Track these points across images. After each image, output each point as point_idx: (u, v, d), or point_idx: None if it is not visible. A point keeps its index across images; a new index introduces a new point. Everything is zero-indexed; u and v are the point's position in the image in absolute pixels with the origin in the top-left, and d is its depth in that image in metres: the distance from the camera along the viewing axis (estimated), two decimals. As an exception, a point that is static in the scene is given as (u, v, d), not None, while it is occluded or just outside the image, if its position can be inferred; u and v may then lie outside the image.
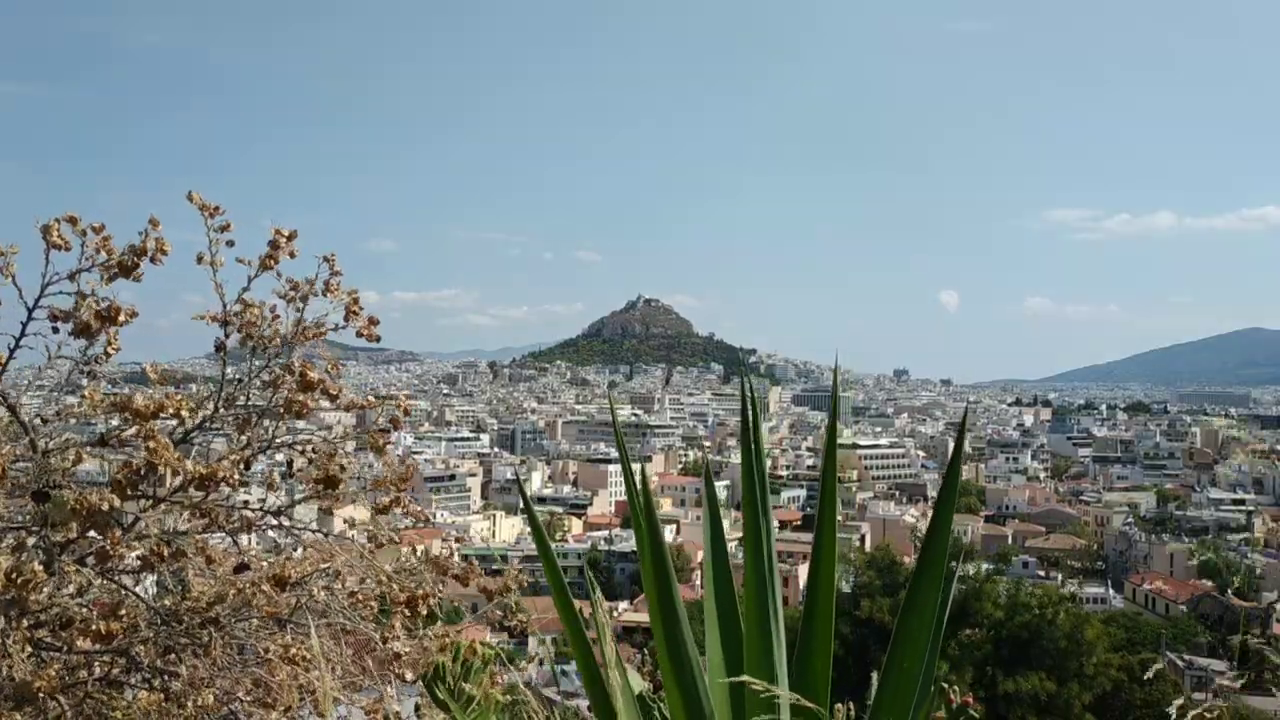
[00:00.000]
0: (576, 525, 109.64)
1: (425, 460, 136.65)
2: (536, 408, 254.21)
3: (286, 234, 2.51)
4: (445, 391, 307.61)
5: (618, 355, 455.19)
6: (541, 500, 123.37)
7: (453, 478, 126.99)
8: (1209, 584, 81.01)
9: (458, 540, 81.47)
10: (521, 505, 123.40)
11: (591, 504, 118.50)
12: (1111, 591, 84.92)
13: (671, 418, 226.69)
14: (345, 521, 3.08)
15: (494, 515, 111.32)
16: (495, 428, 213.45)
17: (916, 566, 2.06)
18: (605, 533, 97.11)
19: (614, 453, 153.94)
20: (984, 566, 55.91)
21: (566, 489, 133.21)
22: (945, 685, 3.40)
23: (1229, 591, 77.61)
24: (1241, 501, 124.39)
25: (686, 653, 2.04)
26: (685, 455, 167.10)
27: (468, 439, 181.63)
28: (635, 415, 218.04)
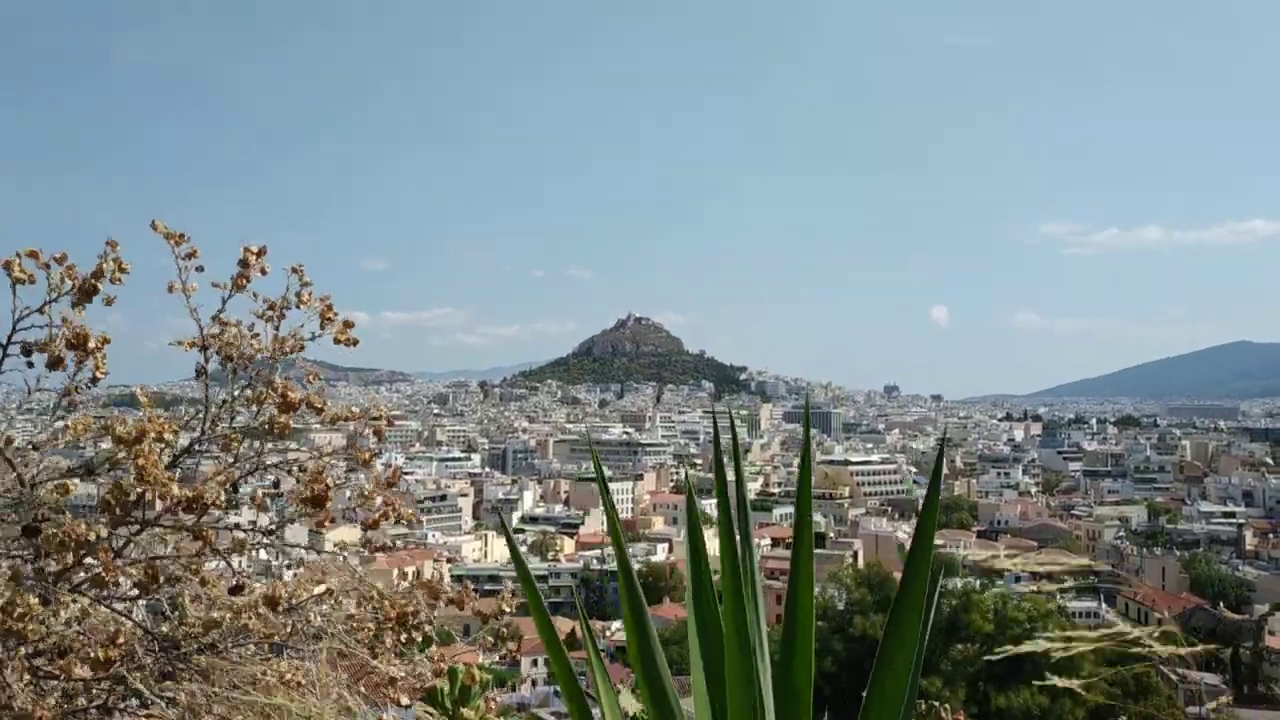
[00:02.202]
0: (569, 544, 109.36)
1: (416, 480, 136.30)
2: (528, 427, 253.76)
3: (256, 250, 2.54)
4: (436, 411, 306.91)
5: (608, 374, 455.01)
6: (534, 520, 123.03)
7: (444, 498, 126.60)
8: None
9: (450, 561, 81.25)
10: (514, 525, 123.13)
11: (583, 523, 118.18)
12: (1103, 605, 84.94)
13: (663, 436, 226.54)
14: (336, 545, 3.09)
15: (485, 535, 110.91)
16: (486, 447, 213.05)
17: (899, 589, 2.08)
18: (597, 551, 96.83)
19: (606, 471, 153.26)
20: (968, 580, 55.94)
21: (558, 508, 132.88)
22: (937, 704, 3.43)
23: (1220, 604, 77.76)
24: (1232, 514, 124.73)
25: (659, 673, 2.06)
26: (677, 473, 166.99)
27: (459, 459, 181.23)
28: (627, 433, 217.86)
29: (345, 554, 2.93)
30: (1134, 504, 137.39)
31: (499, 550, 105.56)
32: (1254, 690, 65.22)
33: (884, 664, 2.04)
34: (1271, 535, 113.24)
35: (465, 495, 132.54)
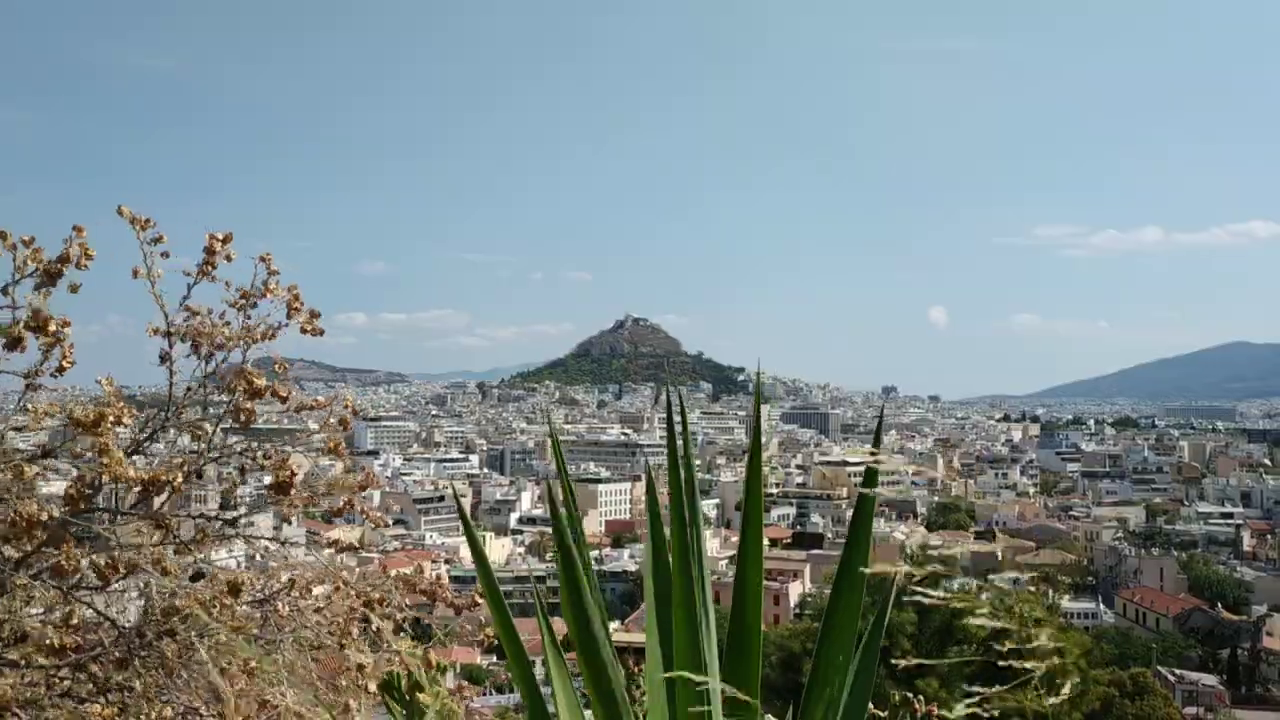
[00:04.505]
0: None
1: (414, 481, 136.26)
2: (525, 428, 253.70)
3: (221, 237, 2.51)
4: (434, 413, 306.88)
5: (606, 375, 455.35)
6: (532, 520, 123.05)
7: (442, 499, 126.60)
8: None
9: (447, 562, 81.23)
10: (511, 526, 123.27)
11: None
12: (1102, 606, 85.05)
13: (660, 437, 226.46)
14: (328, 544, 3.07)
15: (483, 536, 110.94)
16: (484, 448, 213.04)
17: (834, 585, 2.08)
18: (595, 553, 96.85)
19: (604, 472, 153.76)
20: (959, 582, 55.81)
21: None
22: (910, 695, 3.41)
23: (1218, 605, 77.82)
24: (1230, 515, 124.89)
25: (608, 674, 2.04)
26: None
27: (457, 460, 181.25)
28: (625, 434, 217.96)
29: (311, 549, 2.91)
30: (1132, 505, 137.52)
31: (496, 552, 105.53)
32: (1251, 691, 65.27)
33: (824, 644, 2.02)
34: (1269, 536, 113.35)
35: (463, 496, 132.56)
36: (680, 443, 2.16)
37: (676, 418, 2.18)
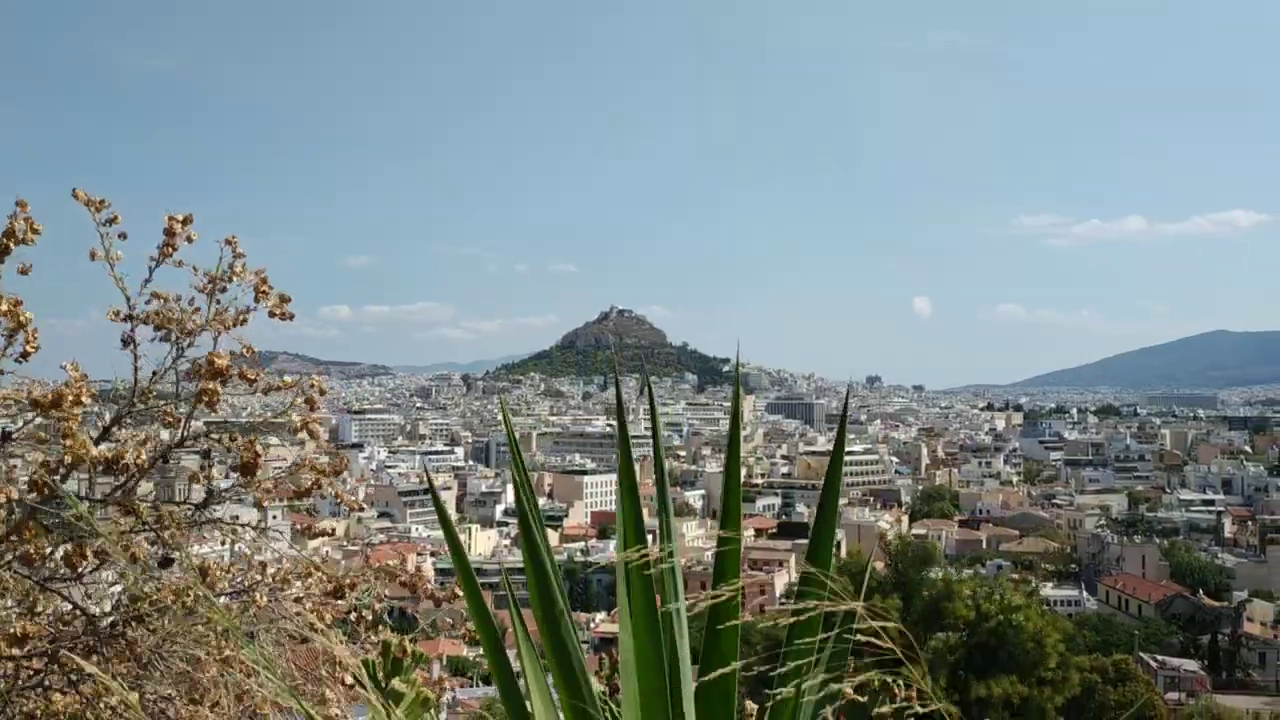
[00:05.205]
0: (553, 537, 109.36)
1: (399, 474, 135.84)
2: (511, 420, 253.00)
3: (181, 219, 2.47)
4: (419, 405, 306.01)
5: (591, 366, 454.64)
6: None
7: (427, 491, 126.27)
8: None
9: (433, 554, 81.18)
10: (497, 518, 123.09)
11: (567, 515, 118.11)
12: (1085, 593, 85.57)
13: (646, 428, 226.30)
14: (303, 529, 3.05)
15: (469, 529, 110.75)
16: (470, 441, 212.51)
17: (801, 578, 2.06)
18: (581, 544, 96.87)
19: (589, 464, 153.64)
20: (944, 569, 56.09)
21: (542, 501, 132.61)
22: (889, 680, 3.40)
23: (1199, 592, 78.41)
24: (1211, 502, 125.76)
25: (575, 666, 2.03)
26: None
27: (442, 452, 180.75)
28: (610, 426, 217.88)
29: (294, 541, 2.89)
30: (1114, 493, 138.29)
31: (482, 544, 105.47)
32: (1232, 676, 65.84)
33: (793, 630, 2.02)
34: (1250, 522, 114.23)
35: (449, 489, 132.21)
36: (647, 435, 2.14)
37: (649, 411, 2.16)
